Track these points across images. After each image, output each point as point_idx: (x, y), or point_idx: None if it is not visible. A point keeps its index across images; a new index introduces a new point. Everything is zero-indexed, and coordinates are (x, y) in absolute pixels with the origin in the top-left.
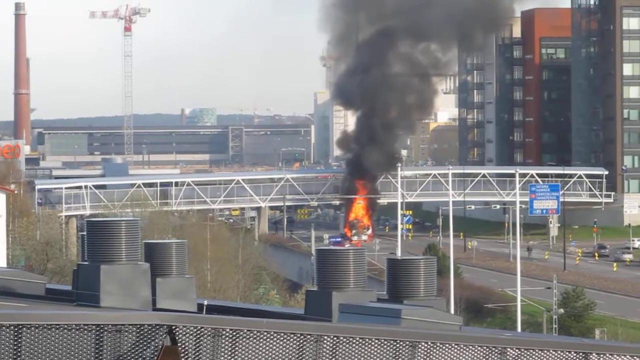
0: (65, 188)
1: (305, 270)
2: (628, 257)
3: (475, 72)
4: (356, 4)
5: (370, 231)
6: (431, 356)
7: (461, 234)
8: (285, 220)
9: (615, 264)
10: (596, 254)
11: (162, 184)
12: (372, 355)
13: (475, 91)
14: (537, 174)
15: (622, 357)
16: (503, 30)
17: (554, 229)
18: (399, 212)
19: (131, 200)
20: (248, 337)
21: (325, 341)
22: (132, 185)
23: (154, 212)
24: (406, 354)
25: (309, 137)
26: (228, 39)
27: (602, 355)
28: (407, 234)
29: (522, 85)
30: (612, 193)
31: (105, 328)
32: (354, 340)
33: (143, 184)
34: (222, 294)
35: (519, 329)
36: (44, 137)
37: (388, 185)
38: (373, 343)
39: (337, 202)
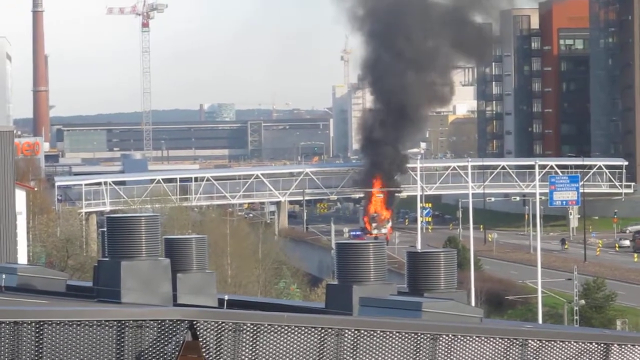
0: (85, 184)
1: (326, 264)
2: (626, 242)
3: (493, 64)
4: None
5: (390, 224)
6: (452, 349)
7: (481, 226)
8: (305, 214)
9: (636, 255)
10: (616, 245)
11: (181, 180)
12: (393, 348)
13: (493, 83)
14: (556, 166)
15: None
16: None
17: (574, 220)
18: (419, 205)
19: (151, 196)
20: (269, 331)
21: (346, 335)
22: (152, 181)
23: (174, 207)
24: (427, 347)
25: (327, 131)
26: (246, 33)
27: (623, 347)
28: (426, 226)
29: (541, 77)
30: (632, 184)
31: (127, 324)
32: (375, 334)
33: (162, 179)
34: (243, 289)
35: (540, 321)
36: (63, 134)
37: (407, 178)
38: (394, 336)
39: (357, 196)
